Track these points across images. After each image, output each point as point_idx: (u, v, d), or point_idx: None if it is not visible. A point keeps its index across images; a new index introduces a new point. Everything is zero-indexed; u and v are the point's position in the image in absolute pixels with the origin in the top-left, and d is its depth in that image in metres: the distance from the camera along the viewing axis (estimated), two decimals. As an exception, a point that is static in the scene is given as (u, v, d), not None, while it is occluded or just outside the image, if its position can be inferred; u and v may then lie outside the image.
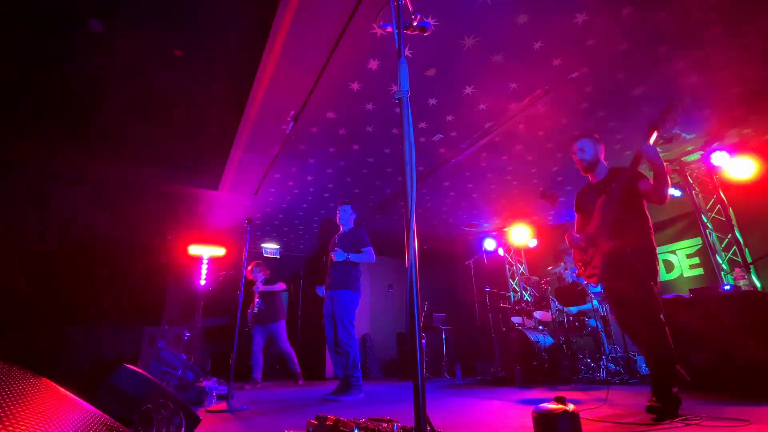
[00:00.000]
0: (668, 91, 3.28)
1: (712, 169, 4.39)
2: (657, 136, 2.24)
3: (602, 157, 2.54)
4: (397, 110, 3.46)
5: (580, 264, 2.55)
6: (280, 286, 5.16)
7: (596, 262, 2.38)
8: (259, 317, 4.97)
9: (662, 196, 2.18)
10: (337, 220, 3.93)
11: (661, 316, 2.11)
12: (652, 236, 2.28)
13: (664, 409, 1.94)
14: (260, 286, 5.06)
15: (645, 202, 2.36)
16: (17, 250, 4.89)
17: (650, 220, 2.32)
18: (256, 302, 5.00)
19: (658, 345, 2.09)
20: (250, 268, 5.13)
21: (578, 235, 2.52)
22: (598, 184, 2.53)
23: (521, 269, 7.05)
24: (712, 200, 4.51)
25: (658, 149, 2.49)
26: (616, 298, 2.36)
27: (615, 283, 2.31)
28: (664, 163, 2.16)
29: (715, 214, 4.48)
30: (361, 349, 7.05)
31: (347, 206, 3.92)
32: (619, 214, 2.29)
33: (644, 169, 2.42)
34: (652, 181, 2.21)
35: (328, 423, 1.52)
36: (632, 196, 2.31)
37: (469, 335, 7.39)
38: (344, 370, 3.41)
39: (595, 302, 4.48)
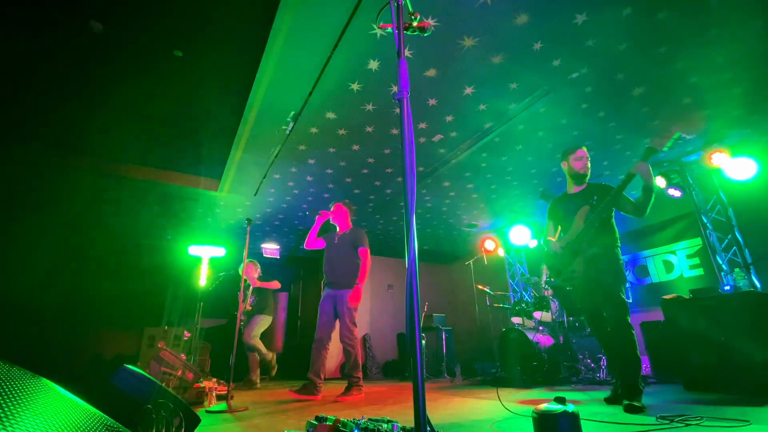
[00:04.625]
0: (668, 91, 3.29)
1: (712, 170, 4.39)
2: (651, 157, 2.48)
3: None
4: (397, 110, 3.47)
5: (551, 270, 2.82)
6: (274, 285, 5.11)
7: (576, 266, 2.63)
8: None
9: (646, 210, 2.49)
10: (332, 220, 3.87)
11: (628, 319, 2.41)
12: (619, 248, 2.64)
13: (642, 407, 2.15)
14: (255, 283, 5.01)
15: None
16: (16, 251, 4.89)
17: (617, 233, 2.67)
18: (250, 299, 5.00)
19: (627, 346, 2.37)
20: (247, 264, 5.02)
21: (557, 242, 2.76)
22: (578, 194, 2.75)
23: (521, 269, 7.05)
24: (712, 200, 4.51)
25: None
26: (594, 303, 2.63)
27: (595, 285, 2.55)
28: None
29: (715, 214, 4.48)
30: (361, 349, 7.05)
31: (341, 205, 3.88)
32: (600, 225, 2.59)
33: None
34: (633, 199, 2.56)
35: (327, 423, 1.52)
36: (611, 210, 2.62)
37: (469, 335, 7.39)
38: (347, 370, 3.41)
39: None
